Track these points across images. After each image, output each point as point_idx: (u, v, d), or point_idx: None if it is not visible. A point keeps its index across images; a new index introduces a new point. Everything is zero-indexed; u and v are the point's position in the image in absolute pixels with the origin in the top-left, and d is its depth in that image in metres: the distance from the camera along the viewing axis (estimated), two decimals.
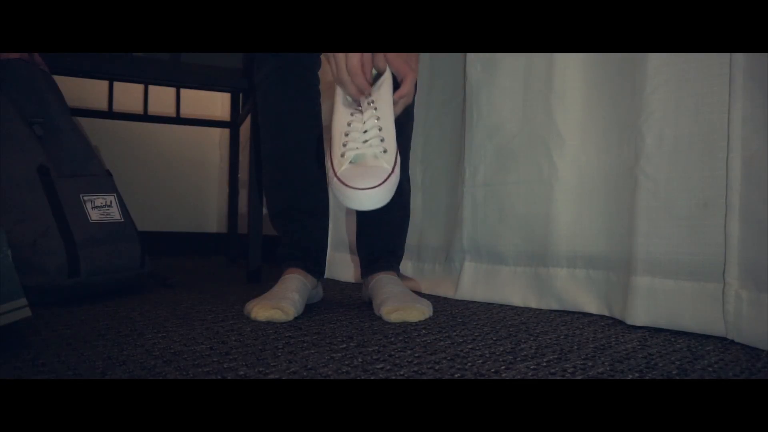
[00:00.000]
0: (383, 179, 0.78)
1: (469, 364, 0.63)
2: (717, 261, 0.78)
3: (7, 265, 0.69)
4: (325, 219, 1.07)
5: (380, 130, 0.83)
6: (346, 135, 0.84)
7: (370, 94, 0.86)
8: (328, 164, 0.84)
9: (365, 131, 0.83)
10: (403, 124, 1.04)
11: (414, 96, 1.08)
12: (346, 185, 0.78)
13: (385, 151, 0.82)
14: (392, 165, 0.81)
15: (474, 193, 1.17)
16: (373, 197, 0.78)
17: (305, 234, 1.03)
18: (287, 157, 1.00)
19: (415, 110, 1.09)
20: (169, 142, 2.41)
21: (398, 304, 0.91)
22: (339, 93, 0.89)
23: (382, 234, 1.07)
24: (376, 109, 0.84)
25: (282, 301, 0.90)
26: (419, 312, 0.90)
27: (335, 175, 0.81)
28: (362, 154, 0.82)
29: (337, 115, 0.87)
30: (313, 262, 1.04)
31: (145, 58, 1.51)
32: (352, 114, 0.85)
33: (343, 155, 0.82)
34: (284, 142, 1.00)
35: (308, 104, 0.96)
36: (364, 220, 1.08)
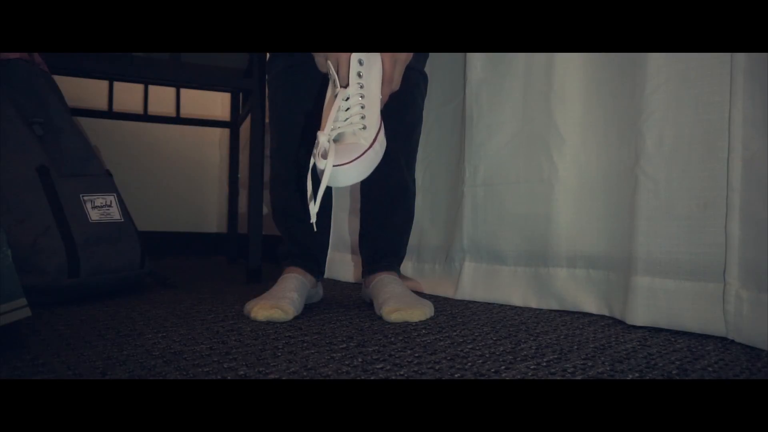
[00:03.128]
0: (357, 156, 0.77)
1: (469, 364, 0.63)
2: (717, 261, 0.78)
3: (7, 265, 0.69)
4: (326, 218, 1.08)
5: (363, 107, 0.82)
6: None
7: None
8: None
9: (347, 109, 0.82)
10: (412, 127, 1.04)
11: (424, 98, 1.08)
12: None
13: (364, 128, 0.81)
14: (371, 141, 0.80)
15: (474, 193, 1.17)
16: (343, 173, 0.76)
17: (306, 233, 1.03)
18: (291, 154, 1.00)
19: None
20: (169, 142, 2.41)
21: (400, 304, 0.91)
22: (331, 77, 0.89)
23: (386, 234, 1.07)
24: (362, 87, 0.83)
25: (281, 300, 0.90)
26: (420, 312, 0.90)
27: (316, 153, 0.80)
28: (342, 133, 0.80)
29: (327, 96, 0.87)
30: (313, 261, 1.04)
31: (145, 58, 1.51)
32: (336, 93, 0.83)
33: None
34: (289, 139, 1.00)
35: (315, 104, 0.96)
36: (368, 220, 1.08)
